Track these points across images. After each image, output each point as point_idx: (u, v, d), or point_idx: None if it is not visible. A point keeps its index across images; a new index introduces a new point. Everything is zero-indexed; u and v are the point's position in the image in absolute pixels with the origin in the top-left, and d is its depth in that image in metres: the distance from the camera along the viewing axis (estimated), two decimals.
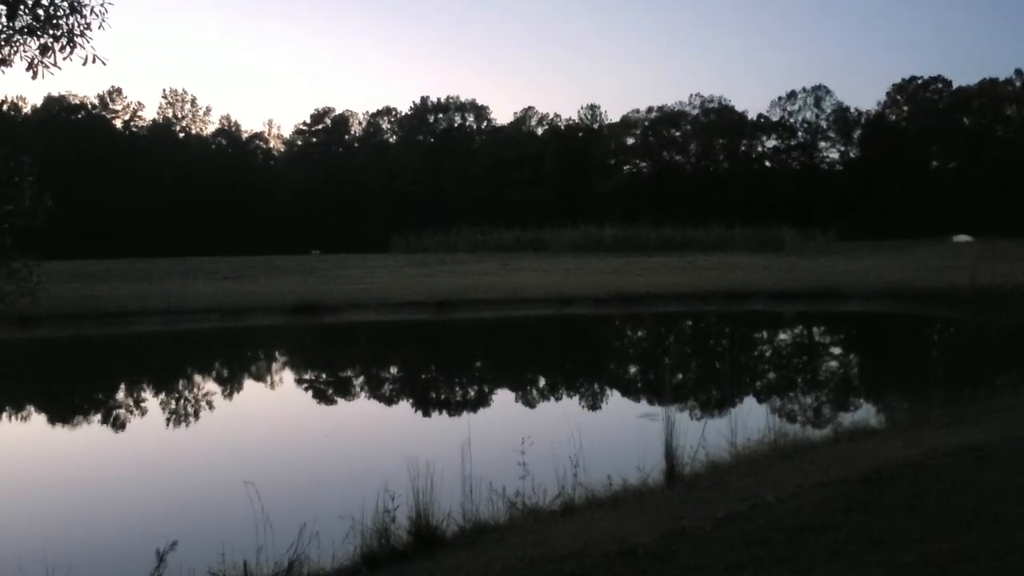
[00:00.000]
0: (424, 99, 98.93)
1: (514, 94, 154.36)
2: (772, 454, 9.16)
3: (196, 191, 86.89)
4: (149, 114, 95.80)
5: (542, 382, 18.98)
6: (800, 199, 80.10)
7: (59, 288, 31.12)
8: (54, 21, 6.19)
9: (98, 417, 15.72)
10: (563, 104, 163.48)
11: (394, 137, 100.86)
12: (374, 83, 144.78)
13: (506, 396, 17.24)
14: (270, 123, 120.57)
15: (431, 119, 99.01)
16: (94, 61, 6.32)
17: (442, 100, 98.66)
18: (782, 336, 26.22)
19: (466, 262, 50.09)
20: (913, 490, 7.08)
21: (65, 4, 6.23)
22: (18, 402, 16.97)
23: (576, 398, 16.93)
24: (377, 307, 30.30)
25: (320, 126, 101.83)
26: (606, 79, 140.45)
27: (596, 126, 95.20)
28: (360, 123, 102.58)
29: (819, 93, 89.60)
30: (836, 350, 23.78)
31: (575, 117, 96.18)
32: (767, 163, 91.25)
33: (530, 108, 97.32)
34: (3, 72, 5.84)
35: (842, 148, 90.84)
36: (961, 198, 75.89)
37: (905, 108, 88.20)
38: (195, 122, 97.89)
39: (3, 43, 5.96)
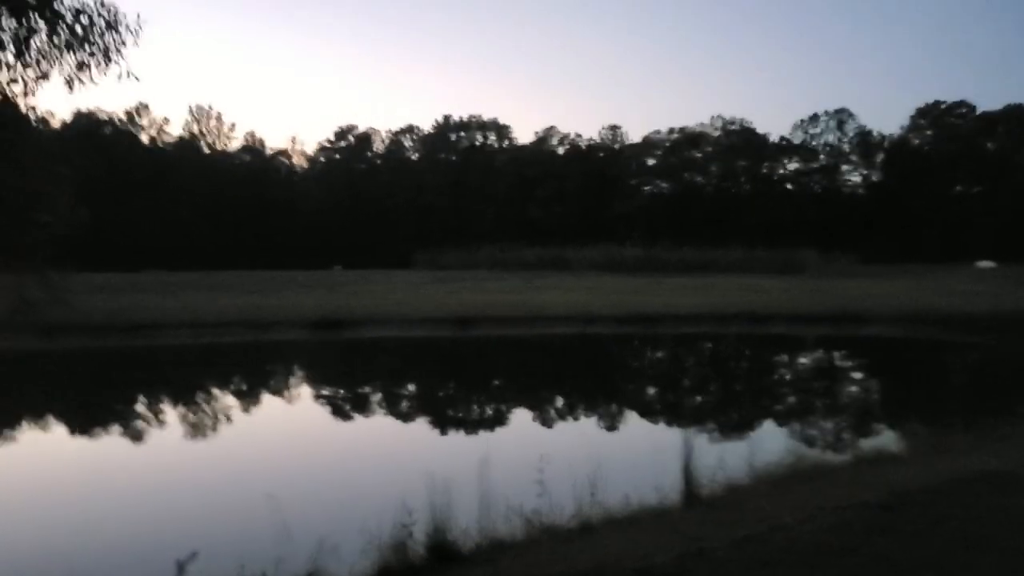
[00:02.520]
0: (447, 118, 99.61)
1: (536, 113, 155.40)
2: (791, 476, 9.15)
3: (221, 206, 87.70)
4: (175, 130, 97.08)
5: (561, 401, 18.98)
6: (821, 222, 79.80)
7: (86, 300, 31.48)
8: (91, 38, 6.38)
9: (121, 428, 15.86)
10: (584, 124, 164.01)
11: (417, 155, 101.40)
12: (397, 101, 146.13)
13: (525, 414, 17.25)
14: (294, 140, 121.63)
15: (453, 137, 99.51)
16: (128, 77, 6.55)
17: (464, 119, 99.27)
18: (802, 359, 26.09)
19: (488, 279, 50.20)
20: (932, 515, 7.07)
21: (102, 21, 6.44)
22: (43, 412, 17.18)
23: (594, 417, 16.91)
24: (399, 323, 30.43)
25: (343, 143, 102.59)
26: (628, 100, 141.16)
27: (617, 146, 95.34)
28: (383, 141, 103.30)
29: (842, 116, 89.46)
30: (856, 374, 23.63)
31: (596, 137, 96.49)
32: (789, 186, 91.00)
33: (552, 128, 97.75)
34: (42, 86, 6.07)
35: (864, 172, 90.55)
36: (984, 223, 75.39)
37: (929, 132, 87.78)
38: (220, 138, 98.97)
39: (42, 58, 6.19)
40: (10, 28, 6.56)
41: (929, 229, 77.76)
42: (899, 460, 10.12)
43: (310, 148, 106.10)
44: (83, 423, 16.25)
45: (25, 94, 6.56)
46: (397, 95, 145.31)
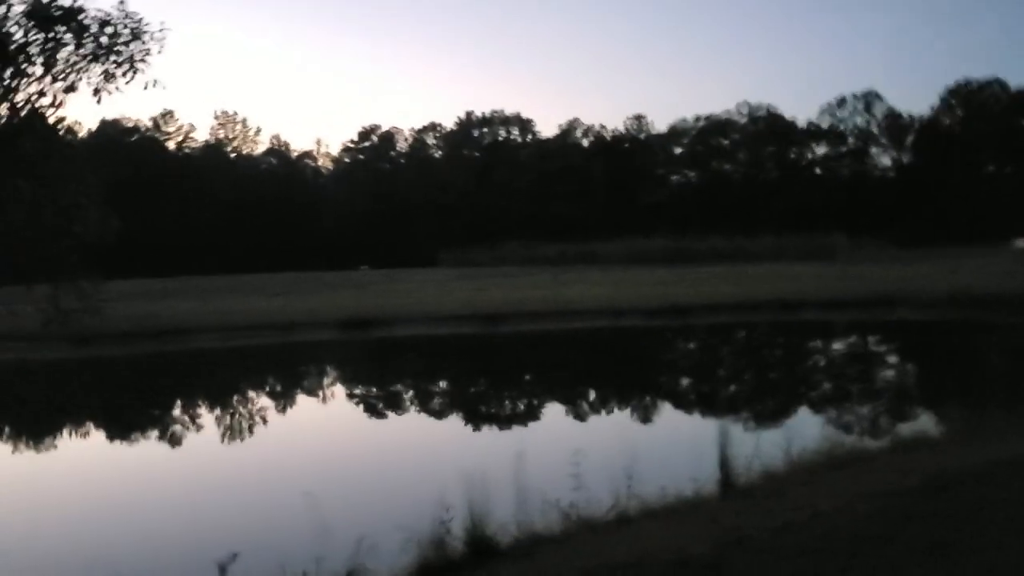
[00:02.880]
0: (469, 114, 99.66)
1: (559, 106, 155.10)
2: (828, 464, 9.07)
3: (247, 210, 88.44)
4: (201, 135, 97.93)
5: (594, 394, 18.96)
6: (852, 206, 78.98)
7: (116, 307, 31.84)
8: (117, 48, 6.45)
9: (160, 432, 16.04)
10: (608, 115, 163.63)
11: (440, 152, 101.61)
12: (419, 99, 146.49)
13: (558, 408, 17.25)
14: (318, 142, 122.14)
15: (476, 134, 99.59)
16: (154, 85, 6.60)
17: (486, 115, 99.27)
18: (836, 345, 25.86)
19: (515, 275, 50.19)
20: (974, 499, 6.97)
21: (127, 32, 6.52)
22: (82, 418, 17.42)
23: (628, 409, 16.88)
24: (427, 321, 30.52)
25: (367, 143, 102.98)
26: (651, 89, 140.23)
27: (643, 136, 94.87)
28: (406, 139, 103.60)
29: (869, 99, 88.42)
30: (891, 359, 23.39)
31: (621, 128, 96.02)
32: (817, 170, 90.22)
33: (575, 120, 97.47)
34: (70, 98, 6.17)
35: (894, 154, 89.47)
36: (1019, 203, 74.17)
37: (960, 112, 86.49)
38: (246, 143, 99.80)
39: (69, 70, 6.26)
40: (38, 42, 6.66)
41: (961, 210, 76.68)
42: (937, 445, 10.00)
43: (334, 149, 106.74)
44: (121, 428, 16.46)
45: (53, 106, 6.67)
46: (419, 93, 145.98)
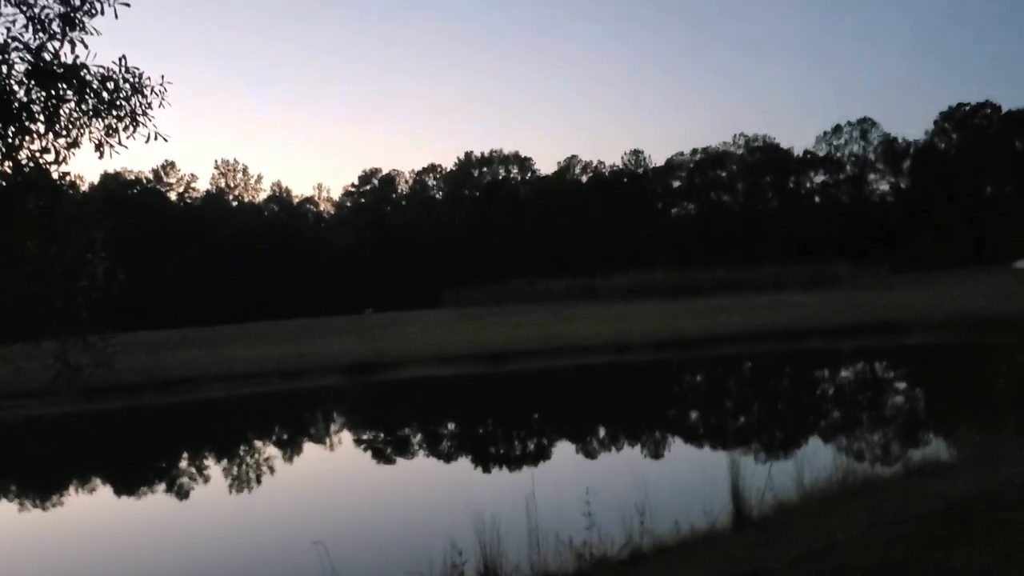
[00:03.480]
0: (468, 154, 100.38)
1: (557, 143, 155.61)
2: (842, 493, 8.99)
3: (251, 257, 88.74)
4: (202, 185, 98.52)
5: (603, 431, 18.87)
6: (852, 233, 79.14)
7: (123, 359, 31.81)
8: (118, 103, 6.53)
9: (168, 483, 15.98)
10: (606, 151, 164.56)
11: (440, 193, 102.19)
12: (418, 140, 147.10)
13: (567, 446, 17.16)
14: (319, 186, 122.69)
15: (476, 173, 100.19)
16: (156, 138, 6.66)
17: (486, 154, 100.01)
18: (844, 373, 25.77)
19: (517, 313, 50.17)
20: (991, 524, 6.91)
21: (127, 86, 6.59)
22: (97, 471, 17.34)
23: (638, 445, 16.78)
24: (433, 362, 30.51)
25: (368, 186, 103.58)
26: (649, 123, 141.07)
27: (641, 171, 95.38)
28: (407, 181, 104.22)
29: (865, 126, 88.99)
30: (900, 384, 23.29)
31: (619, 163, 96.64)
32: (816, 199, 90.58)
33: (573, 156, 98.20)
34: (73, 154, 6.25)
35: (892, 179, 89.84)
36: (1018, 224, 74.27)
37: (954, 136, 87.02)
38: (247, 190, 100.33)
39: (71, 126, 6.36)
40: (40, 99, 6.75)
41: (962, 233, 76.80)
42: (950, 469, 9.93)
43: (336, 194, 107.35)
44: (129, 479, 16.39)
45: (57, 162, 6.75)
46: (419, 134, 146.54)
